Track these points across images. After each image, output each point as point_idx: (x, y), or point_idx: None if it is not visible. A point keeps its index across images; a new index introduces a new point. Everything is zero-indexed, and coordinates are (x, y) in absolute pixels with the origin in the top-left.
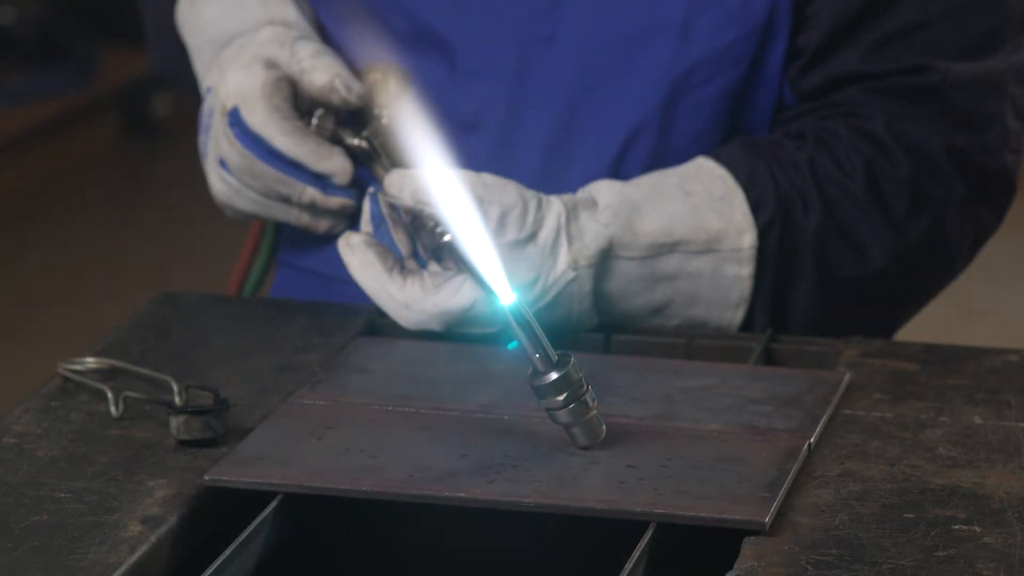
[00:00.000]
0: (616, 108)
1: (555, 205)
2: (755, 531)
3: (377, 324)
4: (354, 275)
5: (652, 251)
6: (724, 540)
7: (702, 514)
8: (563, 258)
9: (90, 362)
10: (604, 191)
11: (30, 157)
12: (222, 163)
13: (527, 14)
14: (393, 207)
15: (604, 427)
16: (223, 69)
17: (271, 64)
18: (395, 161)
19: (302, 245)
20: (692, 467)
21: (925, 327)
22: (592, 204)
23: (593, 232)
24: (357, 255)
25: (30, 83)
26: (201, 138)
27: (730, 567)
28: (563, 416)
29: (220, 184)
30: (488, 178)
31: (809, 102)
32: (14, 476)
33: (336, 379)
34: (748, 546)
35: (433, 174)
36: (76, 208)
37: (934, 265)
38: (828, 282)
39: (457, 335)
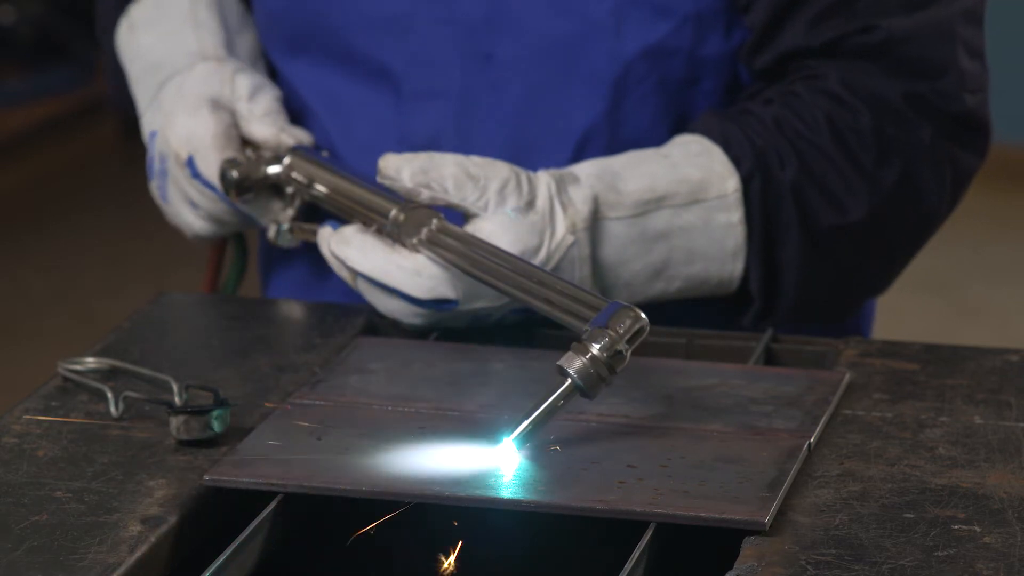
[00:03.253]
0: (564, 115)
1: (543, 177)
2: (755, 531)
3: (377, 324)
4: (357, 265)
5: (639, 209)
6: (724, 540)
7: (702, 514)
8: (561, 224)
9: (90, 362)
10: (582, 165)
11: (30, 157)
12: (193, 204)
13: (464, 33)
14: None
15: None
16: (168, 114)
17: (215, 105)
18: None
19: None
20: (692, 467)
21: (925, 327)
22: (572, 175)
23: (581, 196)
24: (355, 243)
25: (30, 83)
26: (155, 182)
27: (730, 567)
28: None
29: (197, 222)
30: (475, 159)
31: (767, 79)
32: (14, 476)
33: (336, 379)
34: (748, 546)
35: (427, 157)
36: (76, 208)
37: (914, 210)
38: (813, 234)
39: (455, 334)
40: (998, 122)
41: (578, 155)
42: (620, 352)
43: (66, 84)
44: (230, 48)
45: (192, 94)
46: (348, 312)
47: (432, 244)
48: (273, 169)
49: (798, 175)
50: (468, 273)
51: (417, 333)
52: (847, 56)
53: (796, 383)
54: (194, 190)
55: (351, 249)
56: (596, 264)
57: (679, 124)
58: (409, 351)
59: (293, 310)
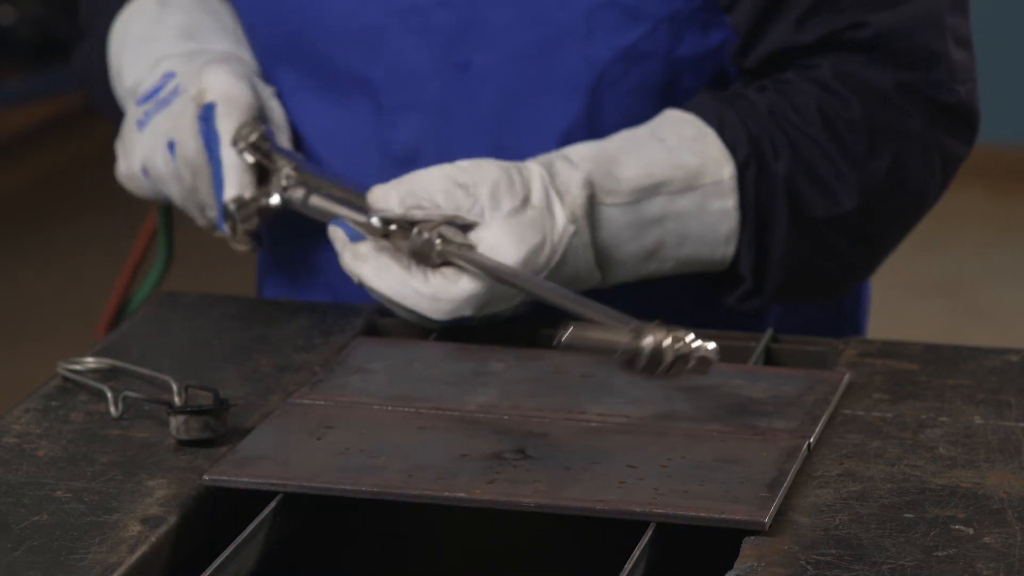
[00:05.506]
0: (542, 120)
1: (534, 168)
2: (755, 531)
3: (377, 324)
4: (371, 284)
5: (636, 196)
6: (724, 540)
7: (702, 514)
8: (560, 214)
9: (90, 362)
10: (577, 148)
11: (30, 157)
12: (171, 145)
13: (439, 43)
14: (359, 221)
15: (714, 348)
16: (210, 65)
17: (254, 92)
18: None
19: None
20: (692, 467)
21: (925, 327)
22: (565, 158)
23: (577, 181)
24: (371, 263)
25: (30, 83)
26: (143, 107)
27: (730, 567)
28: (677, 378)
29: (160, 162)
30: (463, 163)
31: (757, 77)
32: (14, 476)
33: (336, 379)
34: (748, 546)
35: (411, 179)
36: (76, 208)
37: (904, 198)
38: (802, 223)
39: (455, 334)
40: (1001, 123)
41: None
42: (685, 354)
43: (66, 84)
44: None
45: (241, 71)
46: (348, 312)
47: (447, 264)
48: (274, 201)
49: (791, 165)
50: (501, 280)
51: (417, 333)
52: (838, 50)
53: (796, 383)
54: (189, 132)
55: (367, 268)
56: (592, 245)
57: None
58: (409, 351)
59: (293, 310)
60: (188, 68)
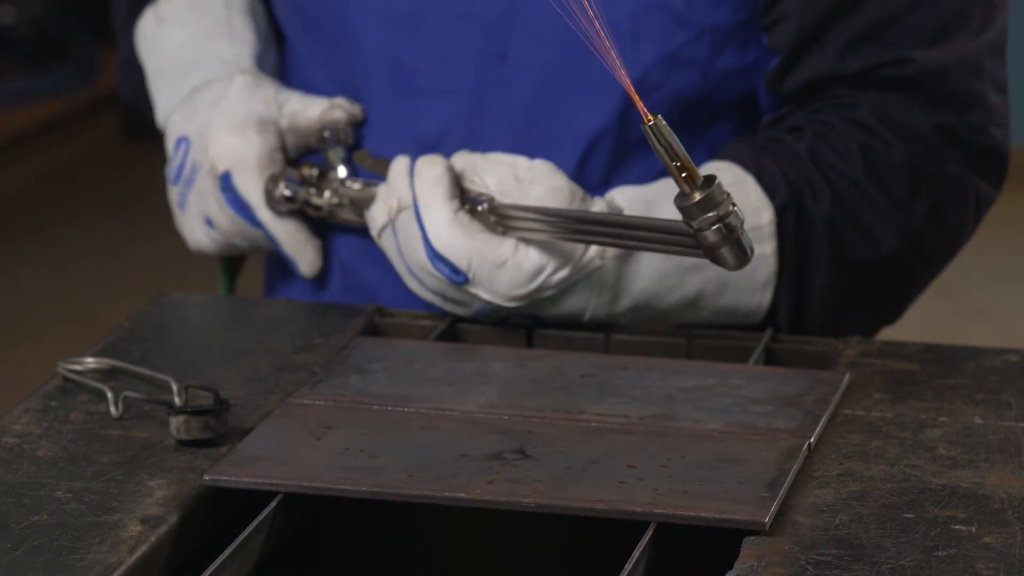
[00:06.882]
0: (574, 118)
1: (599, 201)
2: (755, 531)
3: (377, 324)
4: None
5: None
6: (724, 540)
7: (702, 514)
8: (594, 247)
9: (90, 362)
10: (618, 196)
11: (30, 157)
12: (208, 222)
13: (480, 32)
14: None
15: (753, 250)
16: (209, 127)
17: (263, 126)
18: (363, 207)
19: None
20: (692, 467)
21: (925, 327)
22: (612, 202)
23: None
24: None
25: (30, 83)
26: (177, 187)
27: (730, 567)
28: (710, 236)
29: (206, 239)
30: (537, 162)
31: (793, 103)
32: (14, 476)
33: (336, 379)
34: (748, 546)
35: (473, 155)
36: (76, 208)
37: (940, 241)
38: (843, 266)
39: (455, 334)
40: None
41: (586, 156)
42: (732, 223)
43: (66, 84)
44: (261, 62)
45: (240, 114)
46: (348, 312)
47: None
48: (317, 200)
49: (832, 208)
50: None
51: (417, 333)
52: (879, 86)
53: (796, 383)
54: (216, 206)
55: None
56: (632, 298)
57: (686, 131)
58: (409, 351)
59: (293, 310)
60: (197, 126)
